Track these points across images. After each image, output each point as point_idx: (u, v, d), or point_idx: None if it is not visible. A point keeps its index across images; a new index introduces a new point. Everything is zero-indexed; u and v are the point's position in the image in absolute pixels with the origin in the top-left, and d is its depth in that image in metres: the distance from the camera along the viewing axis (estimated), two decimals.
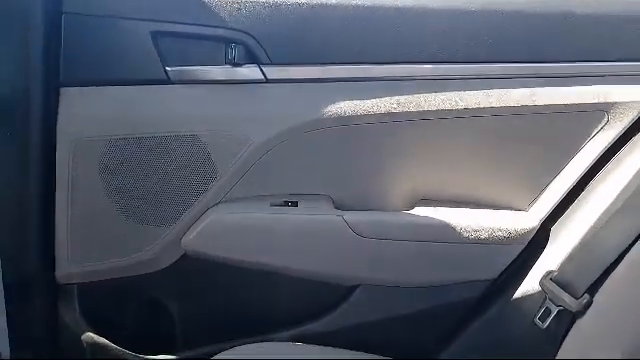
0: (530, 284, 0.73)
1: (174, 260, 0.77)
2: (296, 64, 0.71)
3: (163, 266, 0.77)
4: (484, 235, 0.74)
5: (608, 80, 0.72)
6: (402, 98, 0.72)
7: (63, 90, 0.69)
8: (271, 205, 0.75)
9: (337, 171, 0.76)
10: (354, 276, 0.78)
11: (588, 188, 0.74)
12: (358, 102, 0.72)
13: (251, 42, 0.70)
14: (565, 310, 0.65)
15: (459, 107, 0.72)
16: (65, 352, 0.78)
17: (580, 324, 0.63)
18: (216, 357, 0.67)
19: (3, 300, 0.68)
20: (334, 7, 0.70)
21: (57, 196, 0.72)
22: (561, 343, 0.65)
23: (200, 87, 0.71)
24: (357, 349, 0.74)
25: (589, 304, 0.63)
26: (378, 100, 0.72)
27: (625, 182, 0.68)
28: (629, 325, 0.56)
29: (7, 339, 0.71)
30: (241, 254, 0.76)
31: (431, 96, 0.72)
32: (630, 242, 0.61)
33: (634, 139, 0.72)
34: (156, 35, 0.68)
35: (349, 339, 0.76)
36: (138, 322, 0.80)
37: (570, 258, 0.69)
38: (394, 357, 0.71)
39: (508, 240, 0.75)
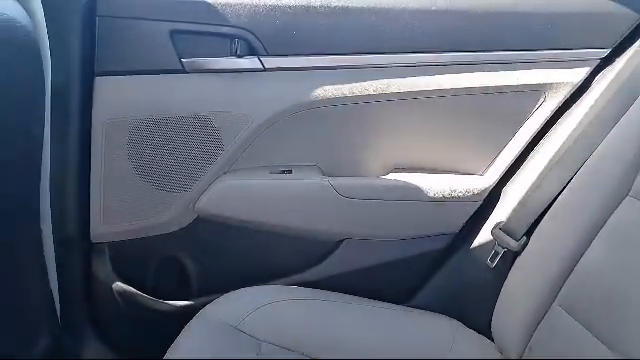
0: (484, 234, 0.89)
1: (189, 222, 0.91)
2: (289, 55, 0.85)
3: (179, 227, 0.92)
4: (447, 195, 0.90)
5: (545, 65, 0.87)
6: (378, 83, 0.87)
7: (97, 79, 0.83)
8: (270, 173, 0.90)
9: (324, 145, 0.91)
10: (339, 232, 0.93)
11: (531, 154, 0.90)
12: (341, 87, 0.86)
13: (251, 37, 0.84)
14: (509, 251, 0.81)
15: (425, 89, 0.87)
16: (99, 299, 0.92)
17: (519, 261, 0.79)
18: (222, 296, 0.82)
19: (54, 260, 0.83)
20: (320, 8, 0.84)
21: (92, 168, 0.87)
22: (505, 278, 0.80)
23: (209, 75, 0.85)
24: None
25: (526, 244, 0.78)
26: (358, 84, 0.86)
27: (557, 147, 0.83)
28: (555, 257, 0.71)
29: (58, 294, 0.85)
30: (245, 215, 0.91)
31: (402, 81, 0.87)
32: (557, 194, 0.77)
33: (566, 113, 0.87)
34: (173, 33, 0.82)
35: (334, 286, 0.90)
36: (159, 274, 0.94)
37: (515, 210, 0.85)
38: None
39: (467, 199, 0.90)
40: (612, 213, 0.67)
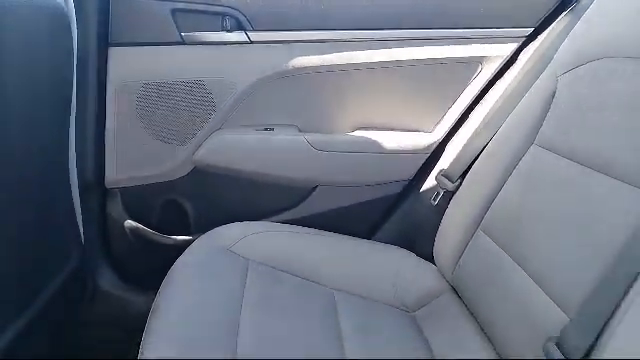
0: (430, 180, 1.09)
1: (187, 171, 1.09)
2: (271, 30, 1.02)
3: (179, 175, 1.09)
4: (401, 149, 1.09)
5: (481, 41, 1.05)
6: (345, 55, 1.04)
7: (111, 49, 0.99)
8: (255, 130, 1.08)
9: (301, 107, 1.08)
10: (312, 179, 1.11)
11: (471, 114, 1.09)
12: (314, 57, 1.04)
13: (239, 15, 1.00)
14: (447, 191, 1.01)
15: (383, 61, 1.05)
16: (112, 235, 1.11)
17: (454, 199, 0.98)
18: (216, 228, 1.00)
19: (79, 201, 1.00)
20: None
21: (107, 126, 1.03)
22: (444, 213, 1.00)
23: (204, 47, 1.02)
24: None
25: (459, 185, 0.98)
26: (329, 56, 1.04)
27: (489, 109, 1.03)
28: (480, 194, 0.90)
29: (82, 229, 1.03)
30: (234, 165, 1.09)
31: (364, 53, 1.04)
32: (484, 146, 0.96)
33: (498, 81, 1.06)
34: (174, 11, 0.99)
35: (309, 224, 1.08)
36: (162, 214, 1.12)
37: (454, 160, 1.04)
38: None
39: (418, 152, 1.10)
40: (521, 158, 0.87)
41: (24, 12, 0.72)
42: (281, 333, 0.78)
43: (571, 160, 0.74)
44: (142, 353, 0.69)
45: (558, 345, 0.60)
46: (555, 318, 0.65)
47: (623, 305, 0.56)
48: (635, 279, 0.55)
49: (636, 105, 0.67)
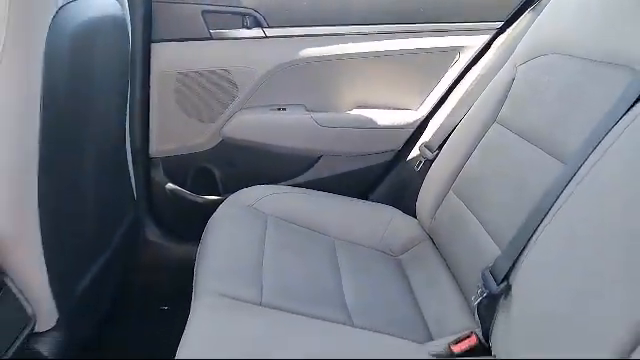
0: (415, 150, 1.32)
1: (216, 143, 1.33)
2: (283, 27, 1.24)
3: (210, 147, 1.33)
4: (392, 124, 1.32)
5: (459, 34, 1.26)
6: (344, 47, 1.27)
7: (153, 45, 1.22)
8: (270, 110, 1.31)
9: (307, 90, 1.31)
10: (318, 150, 1.35)
11: (449, 95, 1.31)
12: (318, 49, 1.26)
13: (256, 14, 1.23)
14: (427, 160, 1.23)
15: (377, 50, 1.27)
16: (155, 196, 1.36)
17: (432, 166, 1.21)
18: (239, 190, 1.24)
19: (132, 168, 1.24)
20: None
21: (150, 106, 1.27)
22: (424, 178, 1.23)
23: (228, 42, 1.24)
24: None
25: (437, 154, 1.20)
26: (331, 47, 1.26)
27: (464, 90, 1.24)
28: (452, 162, 1.12)
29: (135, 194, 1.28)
30: (254, 139, 1.32)
31: (361, 45, 1.27)
32: (459, 120, 1.18)
33: (473, 67, 1.27)
34: (204, 12, 1.21)
35: (316, 187, 1.32)
36: (196, 178, 1.37)
37: (434, 134, 1.27)
38: None
39: (406, 126, 1.33)
40: (485, 134, 1.09)
41: (108, 27, 0.95)
42: (295, 268, 1.02)
43: (518, 136, 0.96)
44: (196, 284, 0.93)
45: (491, 271, 0.84)
46: (495, 255, 0.89)
47: (532, 239, 0.79)
48: (541, 221, 0.78)
49: (568, 96, 0.87)
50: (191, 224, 1.19)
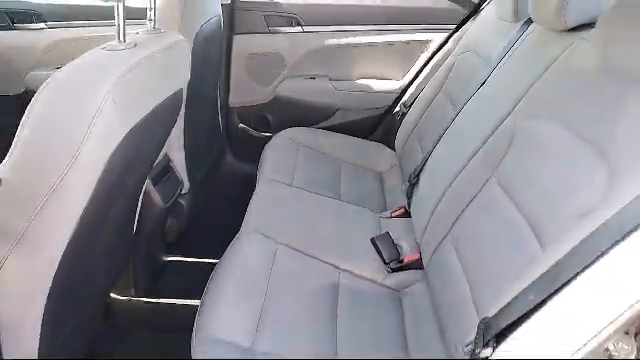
0: (398, 108, 2.02)
1: (270, 99, 2.07)
2: (315, 25, 1.96)
3: (267, 101, 2.08)
4: (384, 89, 2.03)
5: (425, 31, 1.95)
6: (350, 39, 1.98)
7: (235, 36, 1.97)
8: (305, 78, 2.05)
9: (330, 66, 2.03)
10: (335, 105, 2.08)
11: (419, 74, 1.99)
12: (337, 40, 1.98)
13: (297, 17, 1.95)
14: (404, 113, 1.94)
15: (371, 42, 1.97)
16: (232, 131, 2.13)
17: (405, 116, 1.91)
18: (282, 131, 1.99)
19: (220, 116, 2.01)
20: (326, 5, 1.93)
21: (231, 74, 2.02)
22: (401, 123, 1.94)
23: (280, 35, 1.98)
24: None
25: (409, 109, 1.90)
26: (342, 39, 1.97)
27: (429, 69, 1.93)
28: (416, 113, 1.83)
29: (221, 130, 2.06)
30: (294, 96, 2.06)
31: (359, 37, 1.98)
32: (421, 89, 1.87)
33: (435, 55, 1.95)
34: (265, 16, 1.94)
35: (333, 130, 2.06)
36: (258, 121, 2.12)
37: (409, 96, 1.96)
38: None
39: (392, 91, 2.04)
40: (434, 99, 1.78)
41: (217, 34, 1.69)
42: (321, 182, 1.76)
43: (452, 109, 1.65)
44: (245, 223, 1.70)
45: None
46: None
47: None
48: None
49: (472, 85, 1.55)
50: (254, 150, 1.95)
